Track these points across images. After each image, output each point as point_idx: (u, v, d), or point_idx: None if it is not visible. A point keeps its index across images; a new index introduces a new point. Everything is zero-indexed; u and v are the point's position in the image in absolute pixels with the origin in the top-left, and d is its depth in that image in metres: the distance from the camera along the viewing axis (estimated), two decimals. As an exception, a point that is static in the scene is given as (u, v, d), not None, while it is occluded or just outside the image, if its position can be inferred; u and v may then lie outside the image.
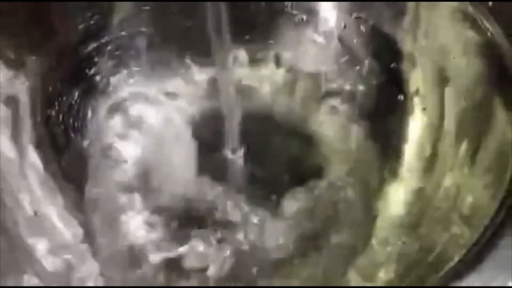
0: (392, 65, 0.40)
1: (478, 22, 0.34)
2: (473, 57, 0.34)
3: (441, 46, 0.37)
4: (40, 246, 0.35)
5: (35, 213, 0.36)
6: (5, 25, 0.37)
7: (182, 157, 0.43)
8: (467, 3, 0.35)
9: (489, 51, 0.33)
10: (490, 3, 0.33)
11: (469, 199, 0.32)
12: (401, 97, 0.40)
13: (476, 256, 0.25)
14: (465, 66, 0.35)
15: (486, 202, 0.29)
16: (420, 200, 0.36)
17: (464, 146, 0.34)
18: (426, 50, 0.38)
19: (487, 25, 0.34)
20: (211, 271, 0.39)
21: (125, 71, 0.44)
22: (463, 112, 0.35)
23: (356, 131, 0.42)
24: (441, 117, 0.37)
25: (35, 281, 0.32)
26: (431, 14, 0.37)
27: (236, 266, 0.39)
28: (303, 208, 0.40)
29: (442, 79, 0.37)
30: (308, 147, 0.43)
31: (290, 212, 0.40)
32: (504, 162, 0.30)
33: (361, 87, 0.42)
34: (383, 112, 0.41)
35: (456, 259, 0.26)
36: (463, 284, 0.24)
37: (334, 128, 0.43)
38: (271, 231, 0.40)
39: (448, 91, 0.37)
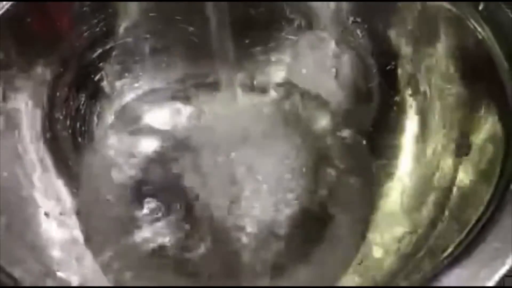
0: (388, 67, 0.41)
1: (469, 25, 0.35)
2: (464, 59, 0.35)
3: (434, 49, 0.37)
4: (50, 245, 0.36)
5: (45, 214, 0.37)
6: (14, 32, 0.37)
7: (187, 159, 0.44)
8: (460, 7, 0.36)
9: (480, 53, 0.34)
10: (481, 7, 0.34)
11: (460, 196, 0.33)
12: (397, 98, 0.40)
13: (463, 250, 0.26)
14: (457, 67, 0.36)
15: (477, 198, 0.30)
16: (414, 196, 0.37)
17: (457, 144, 0.35)
18: (420, 53, 0.38)
19: (478, 27, 0.34)
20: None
21: (130, 76, 0.44)
22: (456, 111, 0.36)
23: (353, 131, 0.43)
24: (435, 116, 0.38)
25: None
26: (425, 17, 0.38)
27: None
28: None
29: (435, 80, 0.38)
30: (306, 144, 0.44)
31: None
32: (494, 160, 0.30)
33: (358, 89, 0.43)
34: (379, 113, 0.42)
35: (446, 253, 0.27)
36: (451, 277, 0.25)
37: (331, 128, 0.44)
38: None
39: (442, 91, 0.37)
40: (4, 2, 0.37)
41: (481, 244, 0.26)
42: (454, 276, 0.25)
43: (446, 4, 0.36)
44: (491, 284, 0.25)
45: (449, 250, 0.27)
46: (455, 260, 0.26)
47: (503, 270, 0.25)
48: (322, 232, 0.40)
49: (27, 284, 0.30)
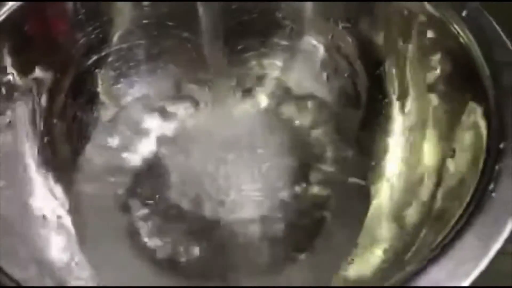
0: (377, 72, 0.41)
1: (453, 31, 0.35)
2: (448, 64, 0.36)
3: (419, 54, 0.38)
4: (48, 246, 0.37)
5: (43, 217, 0.38)
6: (13, 39, 0.38)
7: (181, 162, 0.44)
8: (443, 13, 0.36)
9: (463, 58, 0.35)
10: (464, 13, 0.35)
11: (445, 196, 0.34)
12: (385, 101, 0.41)
13: (442, 249, 0.27)
14: (441, 72, 0.37)
15: (459, 198, 0.30)
16: (403, 197, 0.38)
17: (441, 146, 0.36)
18: (406, 58, 0.39)
19: (461, 33, 0.35)
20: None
21: (125, 82, 0.45)
22: (441, 115, 0.37)
23: (343, 134, 0.44)
24: (421, 120, 0.38)
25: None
26: (411, 23, 0.38)
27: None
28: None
29: (420, 85, 0.38)
30: (297, 147, 0.44)
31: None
32: (475, 162, 0.31)
33: (347, 93, 0.44)
34: (368, 116, 0.43)
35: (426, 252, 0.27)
36: (431, 275, 0.25)
37: (322, 131, 0.45)
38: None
39: (427, 96, 0.38)
40: (2, 11, 0.38)
41: (459, 244, 0.27)
42: (432, 275, 0.26)
43: (431, 11, 0.37)
44: (467, 284, 0.25)
45: (430, 248, 0.27)
46: (434, 258, 0.26)
47: (480, 269, 0.26)
48: (314, 232, 0.41)
49: (27, 285, 0.30)
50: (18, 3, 0.38)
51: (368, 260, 0.37)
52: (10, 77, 0.38)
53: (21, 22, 0.38)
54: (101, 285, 0.38)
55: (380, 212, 0.39)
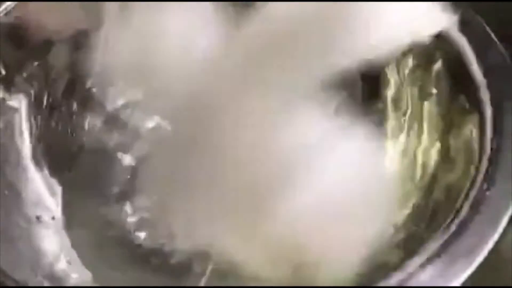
0: (372, 74, 0.41)
1: (445, 34, 0.36)
2: (442, 67, 0.37)
3: (413, 57, 0.39)
4: (43, 249, 0.37)
5: (37, 218, 0.38)
6: (9, 39, 0.38)
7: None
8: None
9: (455, 61, 0.36)
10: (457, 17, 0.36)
11: (440, 195, 0.34)
12: (380, 104, 0.42)
13: (438, 247, 0.27)
14: (435, 76, 0.37)
15: (454, 197, 0.31)
16: (400, 197, 0.38)
17: (437, 147, 0.37)
18: (400, 60, 0.40)
19: (453, 36, 0.36)
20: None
21: (120, 84, 0.44)
22: (436, 118, 0.37)
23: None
24: (417, 122, 0.39)
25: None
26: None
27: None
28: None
29: (416, 88, 0.39)
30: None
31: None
32: (470, 161, 0.32)
33: (342, 94, 0.44)
34: (363, 118, 0.43)
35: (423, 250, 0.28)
36: (427, 271, 0.26)
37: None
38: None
39: (421, 99, 0.39)
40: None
41: (454, 242, 0.27)
42: (427, 273, 0.26)
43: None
44: (461, 281, 0.26)
45: (426, 246, 0.28)
46: (430, 257, 0.27)
47: (474, 267, 0.26)
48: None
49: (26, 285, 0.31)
50: (15, 3, 0.38)
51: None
52: (5, 76, 0.39)
53: (18, 21, 0.39)
54: (97, 285, 0.38)
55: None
